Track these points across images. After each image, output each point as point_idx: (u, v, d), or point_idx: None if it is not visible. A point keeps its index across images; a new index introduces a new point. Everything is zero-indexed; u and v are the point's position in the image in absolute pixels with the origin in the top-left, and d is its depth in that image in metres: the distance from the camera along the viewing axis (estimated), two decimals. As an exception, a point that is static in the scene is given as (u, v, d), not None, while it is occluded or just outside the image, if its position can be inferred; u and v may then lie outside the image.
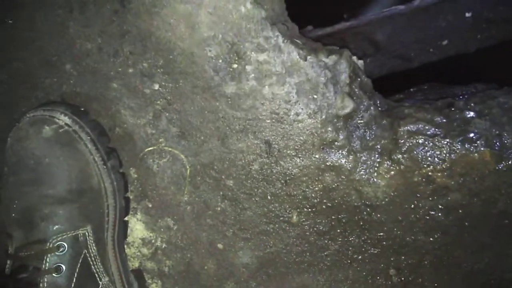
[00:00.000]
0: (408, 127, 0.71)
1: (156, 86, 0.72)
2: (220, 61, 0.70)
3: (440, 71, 1.22)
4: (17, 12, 0.75)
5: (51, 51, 0.73)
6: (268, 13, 0.71)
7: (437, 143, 0.68)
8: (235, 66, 0.70)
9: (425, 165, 0.68)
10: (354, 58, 0.78)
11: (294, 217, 0.73)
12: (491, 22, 1.15)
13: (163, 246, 0.78)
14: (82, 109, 0.72)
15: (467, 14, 1.14)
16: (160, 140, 0.73)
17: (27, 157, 0.64)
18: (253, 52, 0.69)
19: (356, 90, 0.74)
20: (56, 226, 0.62)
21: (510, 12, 1.12)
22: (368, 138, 0.71)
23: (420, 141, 0.69)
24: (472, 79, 1.05)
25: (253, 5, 0.68)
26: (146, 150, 0.74)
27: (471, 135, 0.67)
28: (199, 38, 0.69)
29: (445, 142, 0.68)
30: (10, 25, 0.75)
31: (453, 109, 0.74)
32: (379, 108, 0.77)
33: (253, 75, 0.70)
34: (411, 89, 1.12)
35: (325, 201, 0.72)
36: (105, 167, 0.69)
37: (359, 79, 0.77)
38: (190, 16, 0.68)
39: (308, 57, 0.70)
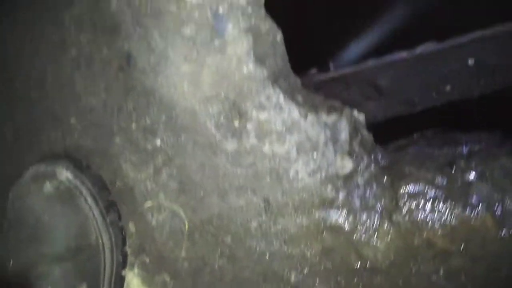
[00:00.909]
0: (409, 188, 0.70)
1: (158, 142, 0.73)
2: (222, 118, 0.71)
3: (444, 115, 1.22)
4: (27, 68, 0.77)
5: (57, 105, 0.75)
6: (269, 71, 0.72)
7: (438, 206, 0.67)
8: (236, 123, 0.71)
9: (425, 228, 0.67)
10: (355, 113, 0.79)
11: (293, 277, 0.72)
12: (494, 69, 1.15)
13: (159, 301, 0.77)
14: (84, 163, 0.73)
15: (470, 61, 1.15)
16: (160, 194, 0.74)
17: (27, 214, 0.64)
18: (254, 110, 0.70)
19: (356, 148, 0.74)
20: (49, 287, 0.62)
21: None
22: (368, 197, 0.71)
23: (421, 204, 0.68)
24: (477, 124, 1.05)
25: (255, 64, 0.69)
26: (146, 204, 0.74)
27: (473, 199, 0.67)
28: (202, 96, 0.70)
29: (446, 206, 0.67)
30: (19, 80, 0.77)
31: (454, 168, 0.74)
32: (380, 165, 0.76)
33: (254, 132, 0.70)
34: (414, 135, 1.12)
35: (324, 262, 0.71)
36: (104, 222, 0.69)
37: (360, 135, 0.77)
38: (193, 75, 0.70)
39: (309, 115, 0.71)
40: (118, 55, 0.71)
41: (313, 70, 1.23)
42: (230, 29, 0.67)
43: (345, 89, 1.20)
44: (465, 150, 1.01)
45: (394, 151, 0.89)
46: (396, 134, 1.08)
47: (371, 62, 1.16)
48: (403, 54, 1.14)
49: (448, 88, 1.18)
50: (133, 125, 0.73)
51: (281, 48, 0.78)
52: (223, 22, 0.67)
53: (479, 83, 1.16)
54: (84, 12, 0.70)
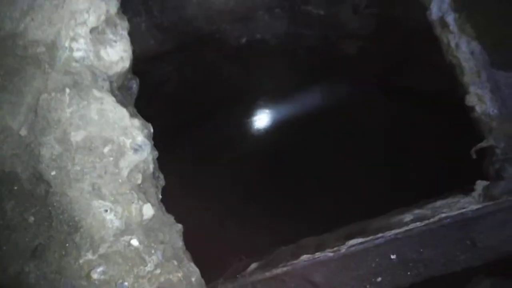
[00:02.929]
0: None
1: None
2: None
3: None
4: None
5: None
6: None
7: None
8: None
9: None
10: None
11: None
12: (416, 262, 1.25)
13: None
14: None
15: (392, 256, 1.25)
16: None
17: None
18: None
19: None
20: None
21: (430, 253, 1.24)
22: None
23: None
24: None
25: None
26: None
27: None
28: None
29: None
30: None
31: None
32: None
33: None
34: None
35: None
36: None
37: None
38: None
39: None
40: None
41: (253, 265, 1.32)
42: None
43: (283, 286, 1.28)
44: None
45: None
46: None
47: (302, 262, 1.26)
48: (330, 254, 1.25)
49: (379, 279, 1.26)
50: None
51: (198, 289, 0.88)
52: (129, 295, 0.77)
53: (406, 275, 1.25)
54: None
